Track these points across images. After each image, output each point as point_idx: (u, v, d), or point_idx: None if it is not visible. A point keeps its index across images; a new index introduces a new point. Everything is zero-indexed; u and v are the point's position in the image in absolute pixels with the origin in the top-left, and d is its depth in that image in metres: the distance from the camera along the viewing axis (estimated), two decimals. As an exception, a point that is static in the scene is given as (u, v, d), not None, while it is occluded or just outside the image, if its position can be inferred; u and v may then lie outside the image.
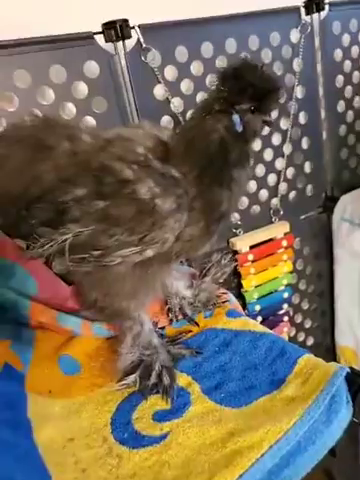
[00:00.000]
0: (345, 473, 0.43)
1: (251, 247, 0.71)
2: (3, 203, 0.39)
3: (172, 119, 0.61)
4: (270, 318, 0.77)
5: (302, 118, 0.74)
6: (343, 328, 0.85)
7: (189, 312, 0.48)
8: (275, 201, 0.75)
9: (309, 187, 0.79)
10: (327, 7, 0.71)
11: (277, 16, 0.68)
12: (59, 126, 0.41)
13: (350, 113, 0.80)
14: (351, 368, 0.35)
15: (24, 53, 0.49)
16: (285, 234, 0.74)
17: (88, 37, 0.53)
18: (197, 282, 0.52)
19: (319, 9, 0.70)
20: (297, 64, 0.71)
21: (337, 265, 0.82)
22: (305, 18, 0.70)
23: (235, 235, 0.71)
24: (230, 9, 0.62)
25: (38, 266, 0.45)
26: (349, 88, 0.79)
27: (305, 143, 0.76)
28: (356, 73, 0.79)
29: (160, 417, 0.35)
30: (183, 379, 0.39)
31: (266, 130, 0.70)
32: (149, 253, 0.37)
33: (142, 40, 0.56)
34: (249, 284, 0.72)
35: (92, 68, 0.55)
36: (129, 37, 0.55)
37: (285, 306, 0.78)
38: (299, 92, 0.73)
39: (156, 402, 0.36)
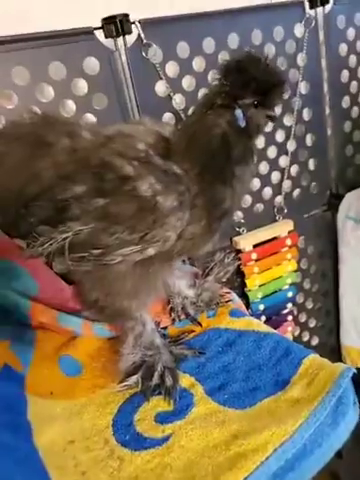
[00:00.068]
0: (352, 475, 0.42)
1: (255, 246, 0.70)
2: (2, 201, 0.39)
3: (174, 116, 0.60)
4: (274, 317, 0.76)
5: (306, 114, 0.73)
6: (348, 327, 0.84)
7: (192, 312, 0.48)
8: (279, 199, 0.74)
9: (313, 185, 0.78)
10: (331, 1, 0.69)
11: (281, 10, 0.67)
12: (58, 123, 0.41)
13: (355, 109, 0.79)
14: (357, 368, 0.34)
15: (22, 49, 0.49)
16: (289, 232, 0.73)
17: (88, 32, 0.53)
18: (200, 281, 0.51)
19: (323, 3, 0.69)
20: (301, 59, 0.70)
21: (342, 264, 0.81)
22: (309, 12, 0.69)
23: (238, 234, 0.70)
24: (232, 3, 0.61)
25: (38, 266, 0.45)
26: (354, 83, 0.78)
27: (309, 140, 0.75)
28: (361, 68, 0.78)
29: (162, 419, 0.34)
30: (186, 380, 0.38)
31: (270, 127, 0.70)
32: (150, 252, 0.36)
33: (143, 35, 0.56)
34: (253, 283, 0.71)
35: (92, 64, 0.54)
36: (129, 32, 0.54)
37: (289, 305, 0.77)
38: (303, 88, 0.72)
39: (158, 403, 0.36)
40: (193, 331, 0.45)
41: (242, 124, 0.36)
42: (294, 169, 0.75)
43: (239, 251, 0.69)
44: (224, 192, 0.36)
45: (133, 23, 0.55)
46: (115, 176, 0.35)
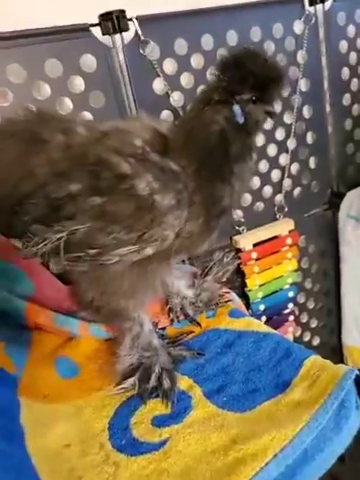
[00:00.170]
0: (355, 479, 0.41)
1: (255, 245, 0.69)
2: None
3: (172, 113, 0.60)
4: (275, 318, 0.75)
5: (306, 112, 0.73)
6: (350, 327, 0.83)
7: (191, 312, 0.47)
8: (279, 198, 0.73)
9: (314, 183, 0.77)
10: (331, -2, 0.69)
11: (280, 7, 0.66)
12: (53, 120, 0.40)
13: (356, 107, 0.78)
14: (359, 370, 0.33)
15: (18, 46, 0.48)
16: (290, 231, 0.72)
17: (84, 29, 0.52)
18: (199, 281, 0.50)
19: (323, 0, 0.68)
20: (301, 56, 0.69)
21: (343, 263, 0.80)
22: (309, 9, 0.68)
23: (238, 233, 0.69)
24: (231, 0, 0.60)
25: (34, 266, 0.44)
26: (355, 81, 0.77)
27: (310, 138, 0.74)
28: (362, 65, 0.77)
29: (159, 422, 0.33)
30: (184, 382, 0.37)
31: (270, 124, 0.69)
32: (148, 251, 0.35)
33: (140, 32, 0.55)
34: (253, 283, 0.70)
35: (89, 62, 0.53)
36: (126, 29, 0.54)
37: (290, 305, 0.76)
38: (303, 85, 0.71)
39: (156, 406, 0.35)
40: (192, 332, 0.44)
41: (240, 120, 0.35)
42: (294, 167, 0.74)
43: (239, 250, 0.69)
44: (222, 189, 0.36)
45: (130, 20, 0.54)
46: (111, 174, 0.34)
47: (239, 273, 0.69)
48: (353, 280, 0.80)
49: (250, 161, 0.37)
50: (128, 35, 0.55)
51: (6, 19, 0.47)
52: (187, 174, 0.35)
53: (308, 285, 0.82)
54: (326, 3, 0.69)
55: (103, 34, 0.53)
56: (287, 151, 0.71)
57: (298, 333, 0.83)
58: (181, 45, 0.59)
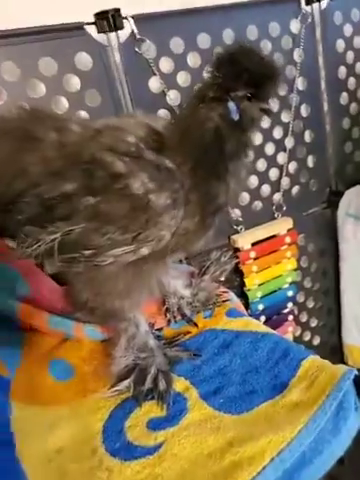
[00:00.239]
0: (354, 482, 0.41)
1: (253, 244, 0.69)
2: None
3: (169, 112, 0.59)
4: (274, 317, 0.75)
5: (304, 111, 0.72)
6: (350, 326, 0.82)
7: (188, 312, 0.46)
8: (277, 196, 0.73)
9: (312, 182, 0.76)
10: (328, -3, 0.68)
11: (276, 5, 0.66)
12: (47, 118, 0.39)
13: (354, 105, 0.78)
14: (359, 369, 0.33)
15: (11, 45, 0.48)
16: (288, 230, 0.72)
17: (79, 28, 0.52)
18: (196, 281, 0.50)
19: (319, -2, 0.68)
20: (298, 55, 0.68)
21: (343, 262, 0.79)
22: (305, 8, 0.68)
23: (236, 232, 0.69)
24: (227, -2, 0.60)
25: (29, 266, 0.44)
26: (352, 79, 0.77)
27: (308, 136, 0.74)
28: (359, 64, 0.77)
29: (155, 425, 0.33)
30: (180, 383, 0.37)
31: (267, 123, 0.69)
32: (144, 252, 0.35)
33: (136, 31, 0.54)
34: (252, 282, 0.70)
35: (84, 60, 0.53)
36: (122, 28, 0.53)
37: (290, 305, 0.76)
38: (300, 84, 0.70)
39: (151, 409, 0.34)
40: (189, 332, 0.44)
41: (235, 117, 0.34)
42: (293, 166, 0.73)
43: (237, 249, 0.68)
44: (218, 187, 0.35)
45: (125, 18, 0.54)
46: (106, 173, 0.33)
47: (238, 273, 0.69)
48: (352, 278, 0.79)
49: (245, 158, 0.36)
50: (124, 33, 0.54)
51: (0, 17, 0.47)
52: (182, 172, 0.34)
53: (307, 284, 0.81)
54: (322, 2, 0.68)
55: (98, 32, 0.53)
56: (285, 150, 0.71)
57: (298, 333, 0.82)
58: (177, 44, 0.58)
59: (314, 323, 0.85)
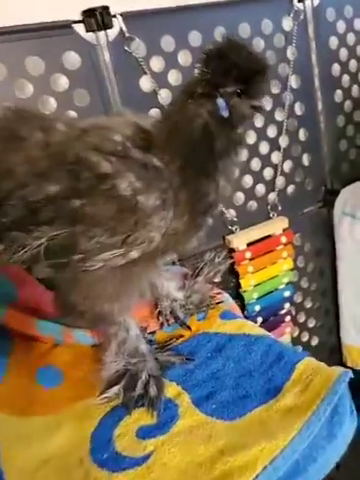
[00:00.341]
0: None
1: (248, 244, 0.68)
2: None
3: (160, 112, 0.58)
4: (271, 318, 0.73)
5: (298, 109, 0.71)
6: (348, 326, 0.82)
7: (181, 315, 0.45)
8: (272, 196, 0.72)
9: (308, 180, 0.76)
10: (320, -7, 0.68)
11: (268, 3, 0.65)
12: (34, 118, 0.38)
13: (348, 103, 0.77)
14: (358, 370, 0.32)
15: (-3, 43, 0.47)
16: (284, 230, 0.71)
17: (67, 26, 0.51)
18: (189, 282, 0.49)
19: (312, -5, 0.67)
20: (291, 53, 0.68)
21: (340, 261, 0.78)
22: (297, 5, 0.67)
23: (231, 232, 0.68)
24: (218, -5, 0.59)
25: (17, 271, 0.43)
26: (346, 77, 0.76)
27: (302, 135, 0.73)
28: (353, 61, 0.76)
29: (144, 433, 0.32)
30: (172, 389, 0.36)
31: (261, 122, 0.68)
32: (134, 255, 0.34)
33: (125, 29, 0.54)
34: (247, 283, 0.68)
35: (72, 59, 0.52)
36: (111, 26, 0.52)
37: (287, 305, 0.74)
38: (294, 82, 0.70)
39: (141, 416, 0.33)
40: (182, 336, 0.43)
41: (225, 114, 0.33)
42: (287, 165, 0.72)
43: (232, 250, 0.67)
44: (207, 185, 0.34)
45: (114, 16, 0.53)
46: (91, 174, 0.32)
47: (233, 274, 0.68)
48: (350, 278, 0.78)
49: (236, 156, 0.35)
50: (112, 32, 0.53)
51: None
52: (171, 170, 0.33)
53: (304, 284, 0.81)
54: (315, -1, 0.68)
55: (87, 31, 0.52)
56: (279, 149, 0.70)
57: (296, 333, 0.81)
58: (168, 42, 0.57)
59: (312, 324, 0.84)
